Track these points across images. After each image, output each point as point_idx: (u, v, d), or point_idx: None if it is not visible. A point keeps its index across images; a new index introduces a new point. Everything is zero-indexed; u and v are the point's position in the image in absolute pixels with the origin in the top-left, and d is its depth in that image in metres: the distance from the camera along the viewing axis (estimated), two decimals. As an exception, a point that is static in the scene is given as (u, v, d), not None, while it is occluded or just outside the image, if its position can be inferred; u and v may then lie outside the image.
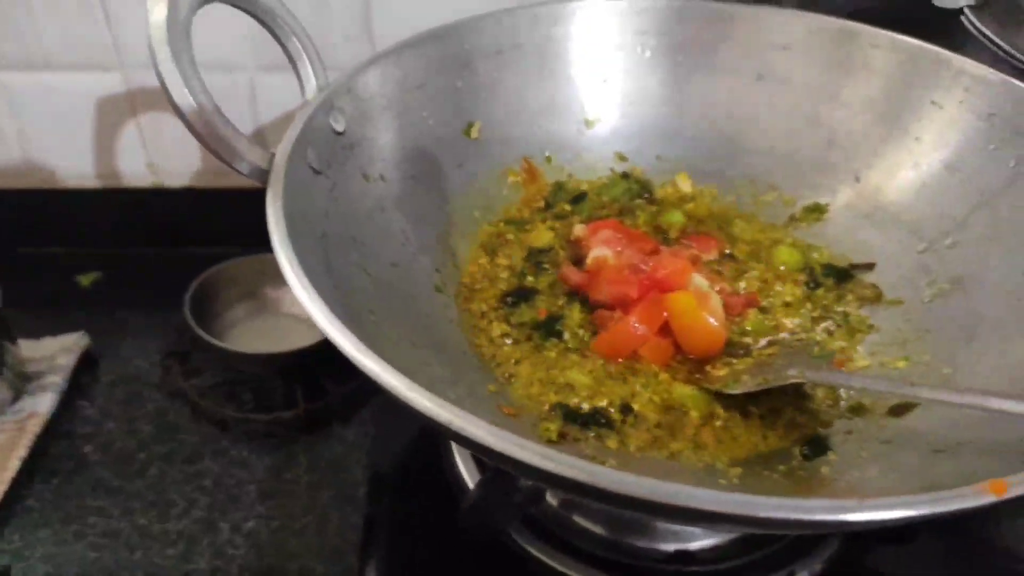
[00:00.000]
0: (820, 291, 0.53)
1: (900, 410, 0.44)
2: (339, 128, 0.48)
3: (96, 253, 0.86)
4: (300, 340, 0.76)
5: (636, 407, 0.44)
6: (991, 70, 0.52)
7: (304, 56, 0.47)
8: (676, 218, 0.58)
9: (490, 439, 0.29)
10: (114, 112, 0.78)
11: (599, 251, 0.51)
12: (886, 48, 0.56)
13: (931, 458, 0.38)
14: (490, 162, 0.59)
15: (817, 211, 0.58)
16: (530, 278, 0.53)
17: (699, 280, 0.51)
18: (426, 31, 0.55)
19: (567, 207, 0.59)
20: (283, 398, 0.72)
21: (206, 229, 0.85)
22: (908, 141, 0.56)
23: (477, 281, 0.53)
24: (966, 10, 0.61)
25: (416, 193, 0.53)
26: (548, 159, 0.61)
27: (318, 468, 0.67)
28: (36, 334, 0.77)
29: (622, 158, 0.62)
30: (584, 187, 0.61)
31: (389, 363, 0.32)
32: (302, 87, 0.48)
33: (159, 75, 0.38)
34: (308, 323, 0.76)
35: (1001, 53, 0.57)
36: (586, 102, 0.62)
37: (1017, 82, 0.50)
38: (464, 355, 0.47)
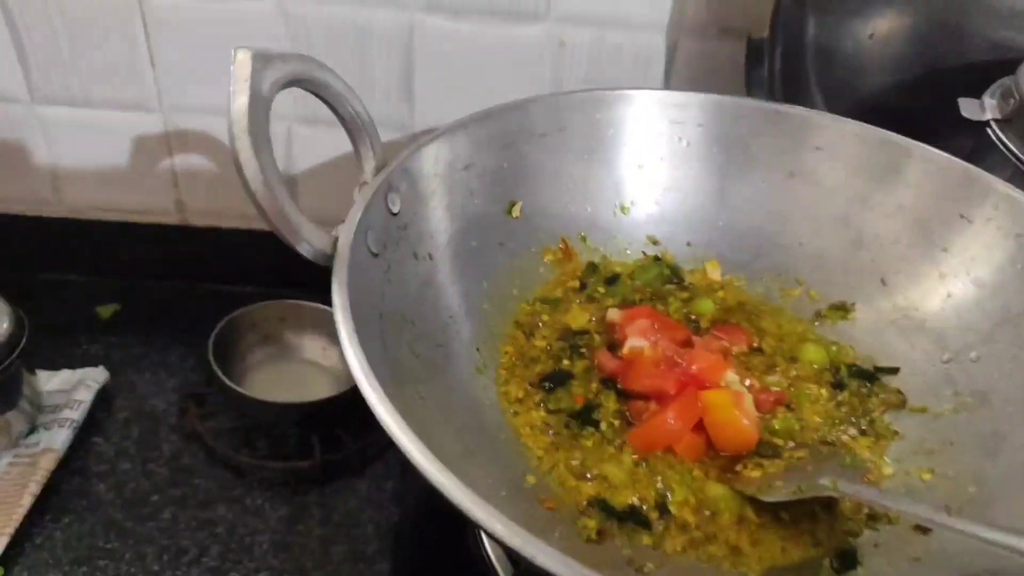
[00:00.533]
0: (846, 393, 0.55)
1: (925, 528, 0.45)
2: (395, 209, 0.49)
3: (117, 284, 0.87)
4: (318, 388, 0.77)
5: (673, 509, 0.45)
6: (1020, 191, 0.54)
7: (366, 138, 0.48)
8: (707, 307, 0.59)
9: (529, 549, 0.30)
10: (149, 150, 0.79)
11: (636, 341, 0.53)
12: (918, 159, 0.59)
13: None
14: (529, 241, 0.60)
15: (843, 310, 0.60)
16: (566, 361, 0.54)
17: (732, 376, 0.52)
18: (478, 113, 0.57)
19: (601, 289, 0.60)
20: (299, 447, 0.73)
21: (227, 268, 0.86)
22: (935, 251, 0.58)
23: (515, 363, 0.54)
24: (992, 123, 0.63)
25: (460, 271, 0.54)
26: (583, 238, 0.63)
27: (331, 522, 0.67)
28: (53, 364, 0.77)
29: (654, 242, 0.64)
30: (617, 269, 0.62)
31: (439, 456, 0.32)
32: (361, 167, 0.49)
33: (237, 163, 0.39)
34: (327, 371, 0.77)
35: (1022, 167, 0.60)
36: (622, 185, 0.64)
37: (1045, 207, 0.52)
38: (504, 440, 0.48)
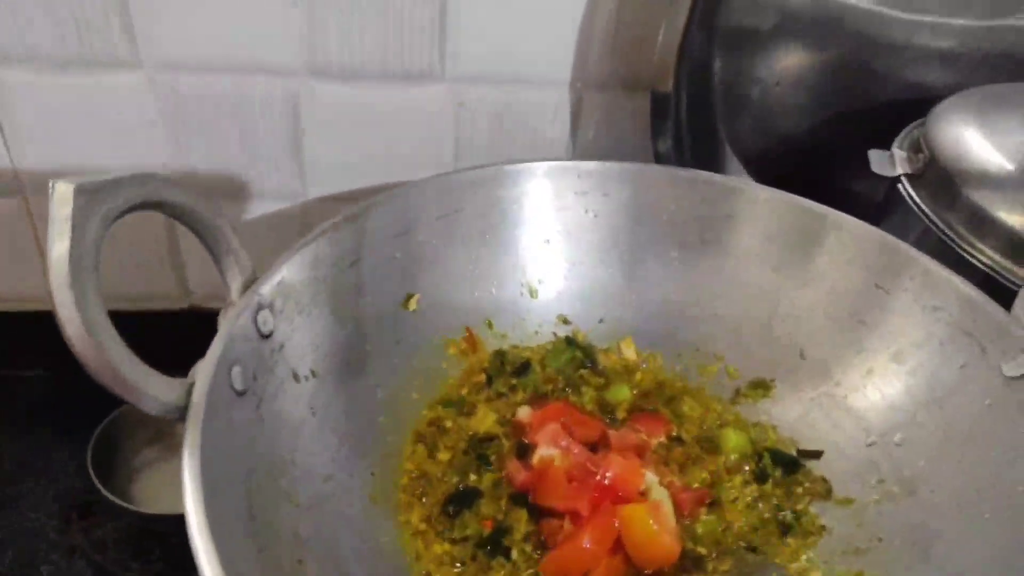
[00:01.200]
0: (769, 484, 0.52)
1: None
2: (267, 330, 0.44)
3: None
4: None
5: None
6: (939, 264, 0.52)
7: (231, 256, 0.43)
8: (623, 395, 0.56)
9: None
10: (11, 230, 0.71)
11: (545, 450, 0.49)
12: (832, 227, 0.56)
13: None
14: (429, 335, 0.56)
15: (763, 387, 0.57)
16: (473, 476, 0.50)
17: (651, 478, 0.48)
18: (367, 202, 0.52)
19: (511, 381, 0.56)
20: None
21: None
22: (853, 323, 0.55)
23: (416, 484, 0.49)
24: (903, 179, 0.61)
25: (350, 384, 0.49)
26: (489, 324, 0.58)
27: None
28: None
29: (565, 321, 0.60)
30: (527, 355, 0.58)
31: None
32: (227, 286, 0.44)
33: (57, 318, 0.33)
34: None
35: (933, 226, 0.58)
36: (529, 264, 0.60)
37: (963, 281, 0.50)
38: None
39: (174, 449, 0.73)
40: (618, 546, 0.45)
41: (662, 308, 0.60)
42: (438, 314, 0.56)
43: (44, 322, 0.75)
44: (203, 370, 0.38)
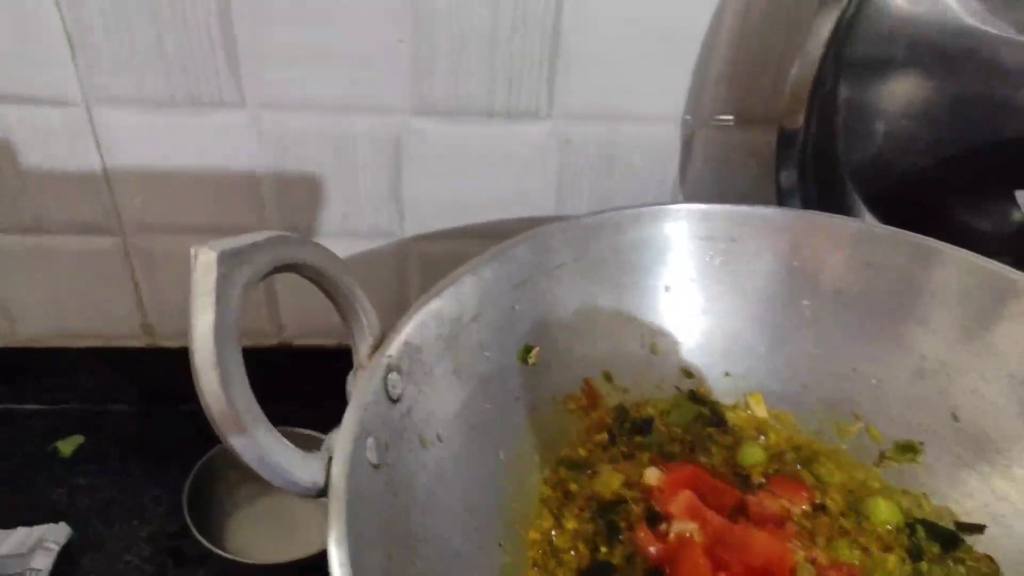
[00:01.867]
0: (924, 564, 0.47)
1: None
2: (396, 394, 0.41)
3: (79, 412, 0.78)
4: (314, 530, 0.69)
5: None
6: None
7: (361, 316, 0.40)
8: (757, 456, 0.52)
9: None
10: (109, 273, 0.71)
11: (681, 525, 0.45)
12: (957, 267, 0.51)
13: None
14: (549, 390, 0.52)
15: (911, 451, 0.53)
16: (603, 548, 0.46)
17: (799, 557, 0.44)
18: (489, 252, 0.49)
19: (636, 439, 0.52)
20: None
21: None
22: (1013, 383, 0.50)
23: (545, 556, 0.46)
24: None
25: (474, 447, 0.46)
26: (608, 377, 0.55)
27: None
28: (5, 518, 0.68)
29: (688, 374, 0.56)
30: (650, 411, 0.54)
31: None
32: (356, 348, 0.41)
33: (203, 401, 0.31)
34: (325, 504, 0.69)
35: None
36: (650, 313, 0.56)
37: None
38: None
39: (268, 487, 0.71)
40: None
41: (794, 362, 0.56)
42: (557, 368, 0.53)
43: (137, 359, 0.75)
44: (340, 446, 0.36)
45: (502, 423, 0.49)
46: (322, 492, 0.34)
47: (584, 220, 0.53)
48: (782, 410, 0.56)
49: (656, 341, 0.56)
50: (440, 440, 0.44)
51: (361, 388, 0.39)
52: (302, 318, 0.74)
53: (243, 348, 0.74)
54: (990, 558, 0.47)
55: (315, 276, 0.38)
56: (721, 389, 0.56)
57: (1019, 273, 0.50)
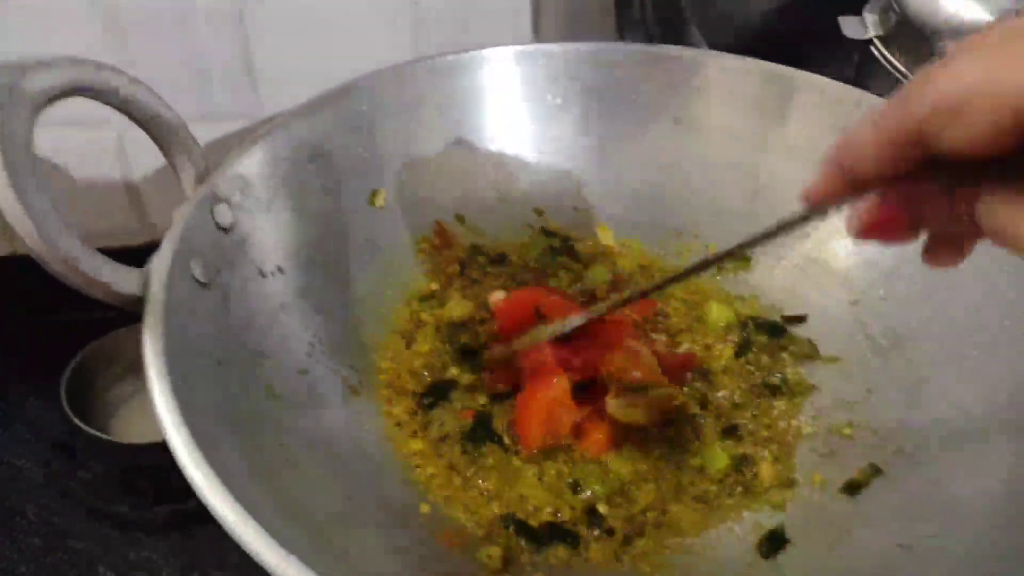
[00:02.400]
0: (753, 351, 0.51)
1: (852, 488, 0.42)
2: (226, 223, 0.42)
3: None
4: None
5: (603, 509, 0.41)
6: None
7: (177, 143, 0.41)
8: (601, 275, 0.54)
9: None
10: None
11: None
12: (806, 89, 0.55)
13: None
14: (399, 232, 0.54)
15: (743, 260, 0.56)
16: (453, 369, 0.49)
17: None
18: (320, 95, 0.50)
19: (489, 269, 0.55)
20: (187, 485, 0.65)
21: (78, 294, 0.76)
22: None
23: (395, 378, 0.48)
24: (875, 40, 0.59)
25: (321, 280, 0.48)
26: (460, 219, 0.57)
27: (229, 564, 0.61)
28: None
29: (539, 212, 0.59)
30: (504, 248, 0.56)
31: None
32: (179, 180, 0.42)
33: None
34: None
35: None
36: (497, 156, 0.58)
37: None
38: (390, 473, 0.42)
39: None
40: (598, 416, 0.44)
41: (638, 192, 0.59)
42: (408, 211, 0.54)
43: (7, 270, 0.73)
44: (160, 259, 0.37)
45: (351, 261, 0.50)
46: (140, 301, 0.35)
47: (422, 64, 0.54)
48: (630, 238, 0.58)
49: (506, 183, 0.58)
50: (282, 272, 0.46)
51: (184, 213, 0.39)
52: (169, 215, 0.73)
53: (111, 248, 0.72)
54: (810, 341, 0.52)
55: (121, 103, 0.38)
56: (571, 224, 0.59)
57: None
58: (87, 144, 0.67)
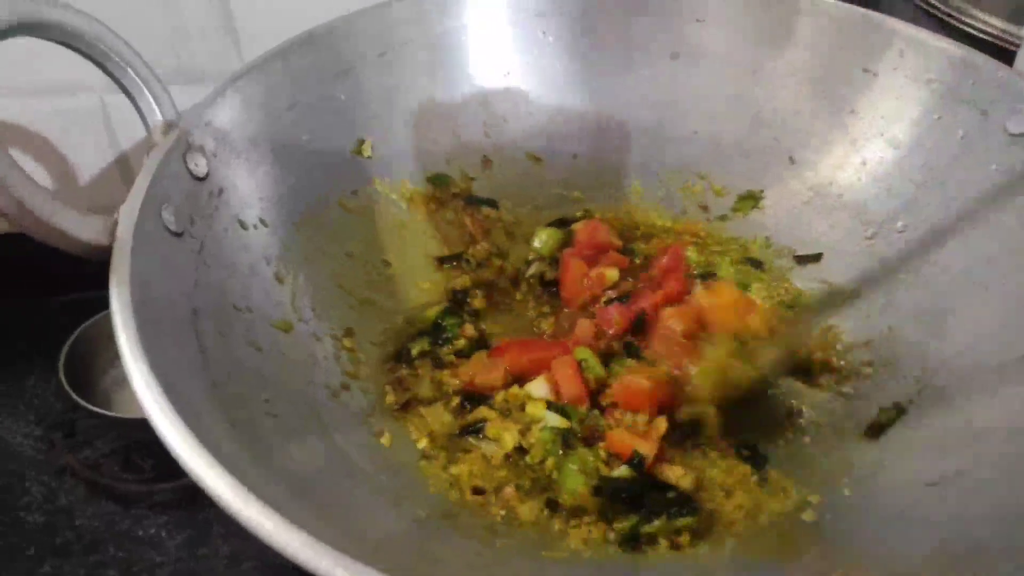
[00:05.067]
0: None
1: (876, 429, 0.40)
2: (200, 172, 0.39)
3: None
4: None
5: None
6: (927, 31, 0.47)
7: (143, 87, 0.38)
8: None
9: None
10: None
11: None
12: (808, 12, 0.51)
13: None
14: (390, 181, 0.51)
15: (752, 199, 0.54)
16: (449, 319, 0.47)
17: None
18: (292, 39, 0.47)
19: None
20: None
21: (78, 272, 0.74)
22: (842, 115, 0.51)
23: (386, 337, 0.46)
24: (888, -36, 0.56)
25: (307, 232, 0.45)
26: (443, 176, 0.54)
27: (238, 536, 0.59)
28: None
29: (535, 159, 0.56)
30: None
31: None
32: (147, 126, 0.39)
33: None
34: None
35: (932, 10, 0.53)
36: (489, 99, 0.55)
37: (956, 44, 0.46)
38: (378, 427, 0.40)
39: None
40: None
41: (637, 133, 0.56)
42: (397, 160, 0.51)
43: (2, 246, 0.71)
44: (127, 206, 0.34)
45: (339, 214, 0.48)
46: (108, 250, 0.33)
47: (399, 5, 0.51)
48: (631, 181, 0.56)
49: (498, 127, 0.55)
50: (265, 224, 0.43)
51: (153, 159, 0.37)
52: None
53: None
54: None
55: (73, 41, 0.35)
56: (569, 169, 0.56)
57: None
58: (69, 112, 0.64)
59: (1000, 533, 0.31)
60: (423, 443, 0.41)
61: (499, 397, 0.42)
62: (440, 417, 0.42)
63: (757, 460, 0.40)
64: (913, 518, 0.33)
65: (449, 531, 0.34)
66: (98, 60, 0.36)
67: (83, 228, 0.33)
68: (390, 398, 0.43)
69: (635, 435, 0.39)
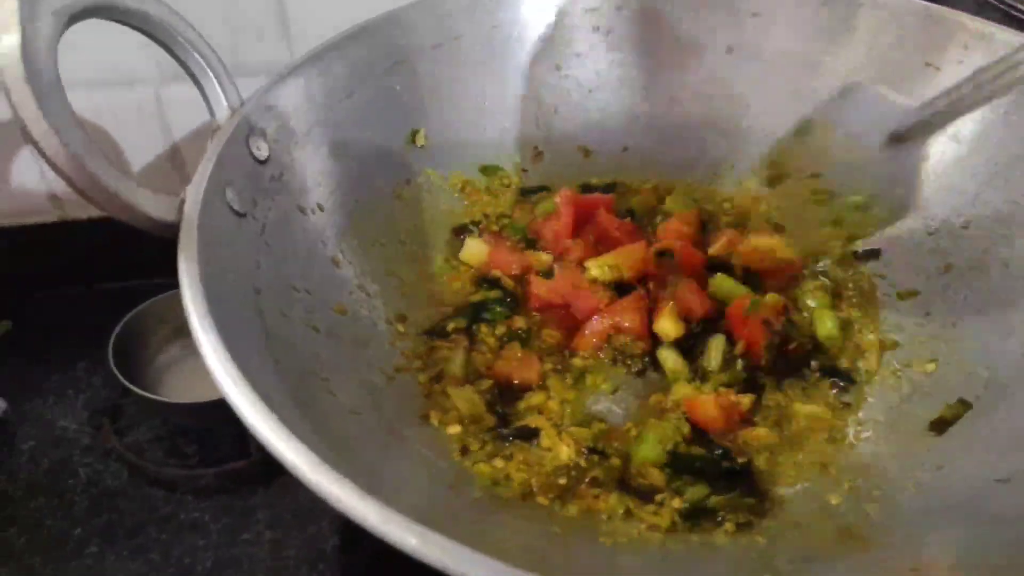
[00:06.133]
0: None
1: (941, 425, 0.39)
2: (262, 155, 0.40)
3: (2, 301, 0.76)
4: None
5: None
6: (993, 24, 0.46)
7: (209, 72, 0.39)
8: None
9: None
10: (8, 141, 0.68)
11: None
12: (869, 6, 0.51)
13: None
14: (443, 171, 0.52)
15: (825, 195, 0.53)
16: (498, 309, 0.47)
17: None
18: (349, 30, 0.47)
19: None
20: (233, 446, 0.64)
21: (125, 261, 0.76)
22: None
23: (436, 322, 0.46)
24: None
25: (362, 218, 0.46)
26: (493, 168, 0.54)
27: (281, 523, 0.59)
28: (-63, 401, 0.67)
29: (586, 152, 0.56)
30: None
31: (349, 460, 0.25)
32: (211, 110, 0.40)
33: (20, 121, 0.29)
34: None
35: (996, 2, 0.52)
36: (541, 92, 0.55)
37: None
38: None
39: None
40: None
41: (690, 127, 0.56)
42: (450, 149, 0.52)
43: (55, 239, 0.73)
44: (193, 187, 0.35)
45: (393, 202, 0.48)
46: (176, 229, 0.34)
47: (459, -2, 0.52)
48: (683, 177, 0.55)
49: (550, 120, 0.55)
50: (322, 210, 0.44)
51: (217, 141, 0.37)
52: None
53: (16, 227, 0.68)
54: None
55: (147, 27, 0.36)
56: (619, 165, 0.56)
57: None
58: (124, 104, 0.66)
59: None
60: (454, 429, 0.41)
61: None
62: (471, 400, 0.41)
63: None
64: (983, 515, 0.32)
65: (504, 513, 0.34)
66: (166, 44, 0.37)
67: (152, 205, 0.33)
68: (421, 376, 0.43)
69: (717, 405, 0.39)
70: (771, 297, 0.45)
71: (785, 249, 0.47)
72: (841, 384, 0.43)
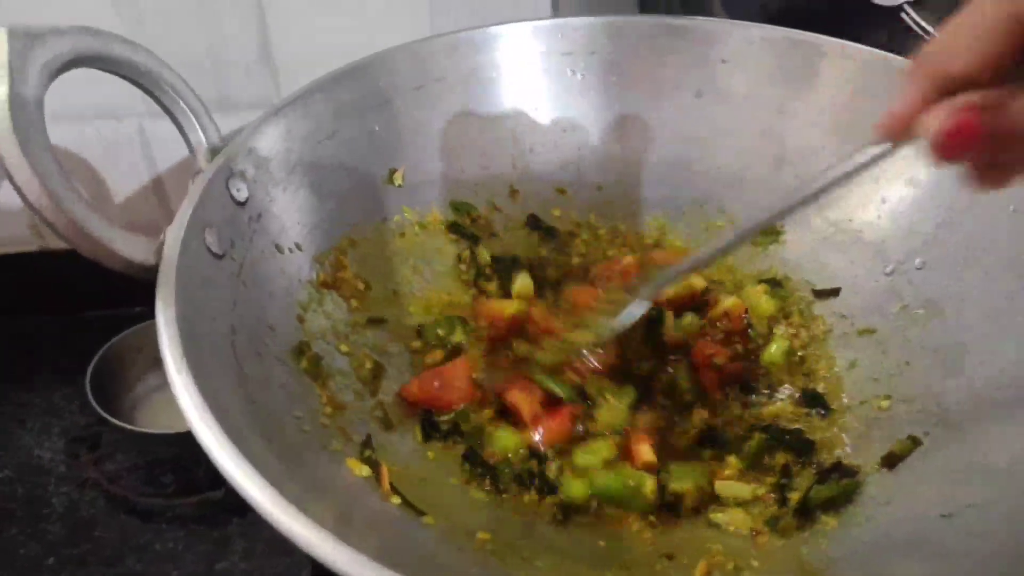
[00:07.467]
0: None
1: (892, 460, 0.41)
2: (241, 197, 0.41)
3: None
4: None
5: None
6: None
7: (191, 117, 0.40)
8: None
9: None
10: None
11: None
12: (832, 55, 0.53)
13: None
14: (420, 209, 0.53)
15: (772, 234, 0.55)
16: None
17: None
18: (333, 72, 0.49)
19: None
20: (209, 476, 0.65)
21: (105, 290, 0.76)
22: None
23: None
24: (906, 6, 0.58)
25: (334, 260, 0.47)
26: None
27: (256, 553, 0.60)
28: (-87, 429, 0.67)
29: (560, 191, 0.57)
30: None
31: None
32: (192, 152, 0.41)
33: (4, 167, 0.31)
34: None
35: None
36: (518, 133, 0.57)
37: (974, 89, 0.47)
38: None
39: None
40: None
41: (661, 167, 0.57)
42: (427, 188, 0.53)
43: (34, 267, 0.73)
44: (173, 229, 0.36)
45: (370, 242, 0.50)
46: (154, 272, 0.35)
47: (438, 40, 0.54)
48: (653, 216, 0.57)
49: (526, 160, 0.57)
50: (300, 249, 0.45)
51: (199, 184, 0.39)
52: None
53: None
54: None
55: (130, 75, 0.38)
56: (591, 202, 0.57)
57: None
58: (109, 136, 0.67)
59: (1016, 570, 0.31)
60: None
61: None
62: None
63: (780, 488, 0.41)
64: (926, 550, 0.34)
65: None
66: (149, 89, 0.39)
67: (130, 247, 0.34)
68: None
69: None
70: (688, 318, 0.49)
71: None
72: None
